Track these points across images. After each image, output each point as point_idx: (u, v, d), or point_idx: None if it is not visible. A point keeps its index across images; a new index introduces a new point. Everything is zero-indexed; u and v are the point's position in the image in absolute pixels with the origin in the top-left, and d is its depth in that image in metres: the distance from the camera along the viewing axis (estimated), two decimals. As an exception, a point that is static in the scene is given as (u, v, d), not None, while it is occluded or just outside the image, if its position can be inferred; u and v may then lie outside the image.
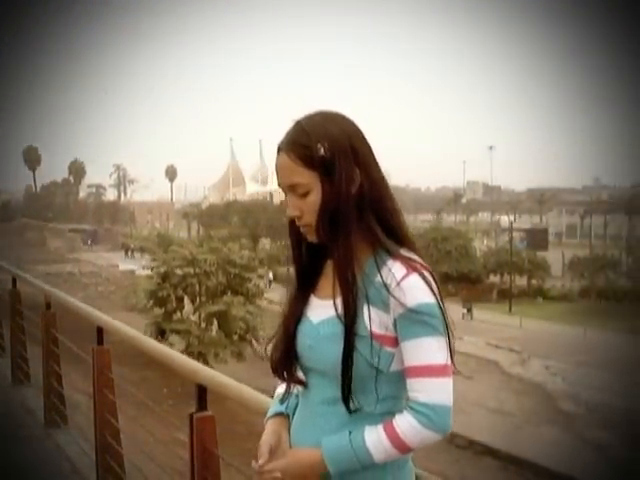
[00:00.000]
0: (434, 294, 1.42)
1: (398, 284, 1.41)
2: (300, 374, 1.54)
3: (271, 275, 41.56)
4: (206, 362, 18.77)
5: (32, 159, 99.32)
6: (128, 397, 4.71)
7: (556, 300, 44.66)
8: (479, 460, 18.19)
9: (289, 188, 1.48)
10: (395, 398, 1.47)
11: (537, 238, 61.20)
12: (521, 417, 21.62)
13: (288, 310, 1.57)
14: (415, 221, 71.46)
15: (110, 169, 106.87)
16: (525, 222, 78.91)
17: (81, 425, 4.83)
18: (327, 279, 1.52)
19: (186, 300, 23.80)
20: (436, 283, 1.44)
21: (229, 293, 23.65)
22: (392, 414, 1.44)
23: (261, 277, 26.76)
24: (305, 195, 1.47)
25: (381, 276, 1.43)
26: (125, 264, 47.70)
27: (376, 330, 1.42)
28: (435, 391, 1.40)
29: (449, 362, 1.42)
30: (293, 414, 1.58)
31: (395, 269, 1.42)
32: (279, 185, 1.51)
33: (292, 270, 1.59)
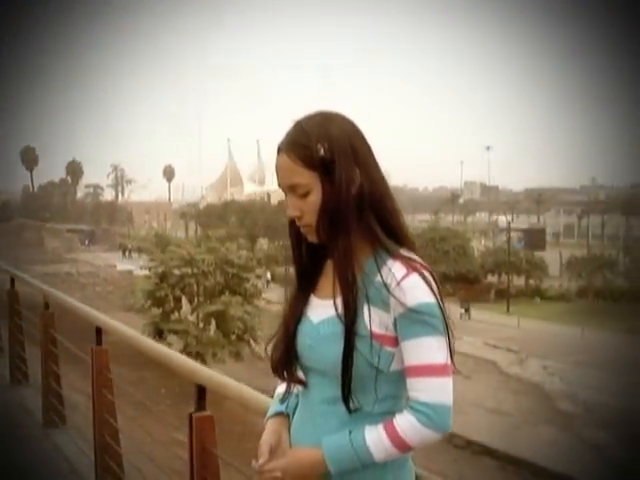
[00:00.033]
0: (434, 294, 1.42)
1: (398, 284, 1.41)
2: (300, 374, 1.55)
3: (269, 275, 41.59)
4: (204, 362, 18.74)
5: (29, 159, 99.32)
6: (127, 397, 4.71)
7: (554, 300, 44.65)
8: (477, 460, 18.21)
9: (289, 188, 1.49)
10: (395, 398, 1.47)
11: (535, 238, 61.36)
12: (519, 417, 21.65)
13: (288, 310, 1.57)
14: (413, 221, 71.38)
15: (108, 169, 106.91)
16: (523, 222, 79.02)
17: (80, 425, 4.82)
18: (327, 279, 1.52)
19: (184, 300, 23.79)
20: (436, 283, 1.44)
21: (227, 293, 23.66)
22: (392, 414, 1.44)
23: (259, 277, 26.82)
24: (305, 195, 1.47)
25: (381, 276, 1.43)
26: (123, 264, 47.55)
27: (376, 330, 1.42)
28: (435, 391, 1.41)
29: (449, 362, 1.43)
30: (293, 414, 1.58)
31: (395, 269, 1.43)
32: (279, 185, 1.51)
33: (292, 270, 1.60)
